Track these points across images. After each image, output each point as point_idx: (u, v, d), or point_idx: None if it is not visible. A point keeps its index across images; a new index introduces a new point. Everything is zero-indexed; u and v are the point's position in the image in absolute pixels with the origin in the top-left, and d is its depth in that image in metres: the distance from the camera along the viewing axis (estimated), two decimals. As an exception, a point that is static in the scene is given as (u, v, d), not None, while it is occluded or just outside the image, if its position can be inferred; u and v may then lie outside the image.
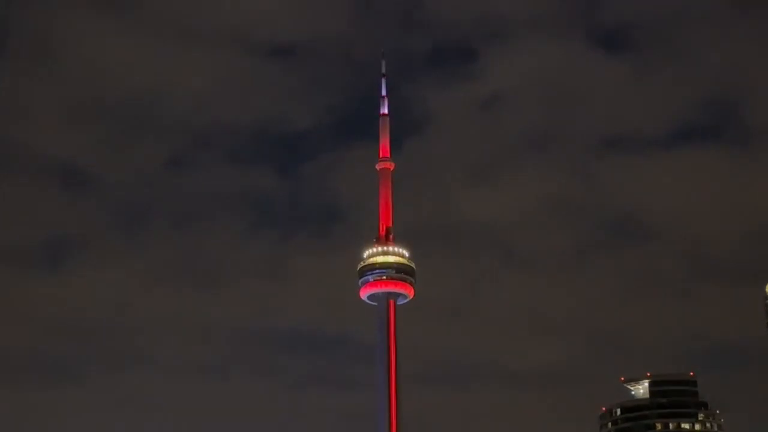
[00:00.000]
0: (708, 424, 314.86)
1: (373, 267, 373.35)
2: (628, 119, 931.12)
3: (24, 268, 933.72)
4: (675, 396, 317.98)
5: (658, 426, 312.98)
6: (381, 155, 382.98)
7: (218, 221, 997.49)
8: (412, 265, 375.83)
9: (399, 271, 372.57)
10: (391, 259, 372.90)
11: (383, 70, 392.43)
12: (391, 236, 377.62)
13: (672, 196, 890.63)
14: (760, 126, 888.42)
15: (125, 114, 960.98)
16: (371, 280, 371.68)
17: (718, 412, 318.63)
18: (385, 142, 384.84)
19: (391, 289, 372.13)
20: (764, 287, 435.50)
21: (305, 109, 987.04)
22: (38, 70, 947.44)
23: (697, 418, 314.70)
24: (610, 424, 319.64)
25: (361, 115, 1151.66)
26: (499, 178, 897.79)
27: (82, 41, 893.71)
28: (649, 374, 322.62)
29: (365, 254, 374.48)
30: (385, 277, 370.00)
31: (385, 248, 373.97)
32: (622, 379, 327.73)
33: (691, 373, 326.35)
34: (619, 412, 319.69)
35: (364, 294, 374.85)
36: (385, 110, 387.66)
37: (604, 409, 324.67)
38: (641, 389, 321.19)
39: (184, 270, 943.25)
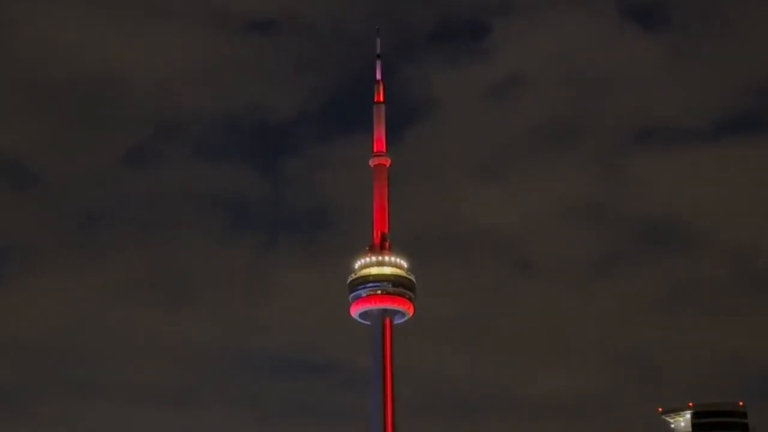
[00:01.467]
0: None
1: (366, 280, 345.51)
2: (666, 107, 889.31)
3: None
4: (722, 429, 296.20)
5: None
6: (375, 149, 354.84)
7: (187, 226, 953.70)
8: (412, 277, 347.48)
9: (396, 285, 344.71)
10: (386, 270, 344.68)
11: (378, 51, 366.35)
12: (386, 244, 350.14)
13: (716, 195, 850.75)
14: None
15: (78, 102, 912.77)
16: (364, 295, 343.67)
17: None
18: (380, 134, 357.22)
19: (387, 305, 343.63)
20: None
21: (288, 95, 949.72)
22: None
23: None
24: None
25: (352, 103, 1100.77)
26: (512, 177, 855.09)
27: (32, 18, 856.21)
28: (691, 404, 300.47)
29: (357, 265, 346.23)
30: (380, 292, 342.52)
31: (380, 258, 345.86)
32: (660, 410, 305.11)
33: (740, 403, 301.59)
34: None
35: (355, 311, 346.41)
36: (380, 97, 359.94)
37: None
38: (682, 422, 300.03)
39: (147, 283, 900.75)
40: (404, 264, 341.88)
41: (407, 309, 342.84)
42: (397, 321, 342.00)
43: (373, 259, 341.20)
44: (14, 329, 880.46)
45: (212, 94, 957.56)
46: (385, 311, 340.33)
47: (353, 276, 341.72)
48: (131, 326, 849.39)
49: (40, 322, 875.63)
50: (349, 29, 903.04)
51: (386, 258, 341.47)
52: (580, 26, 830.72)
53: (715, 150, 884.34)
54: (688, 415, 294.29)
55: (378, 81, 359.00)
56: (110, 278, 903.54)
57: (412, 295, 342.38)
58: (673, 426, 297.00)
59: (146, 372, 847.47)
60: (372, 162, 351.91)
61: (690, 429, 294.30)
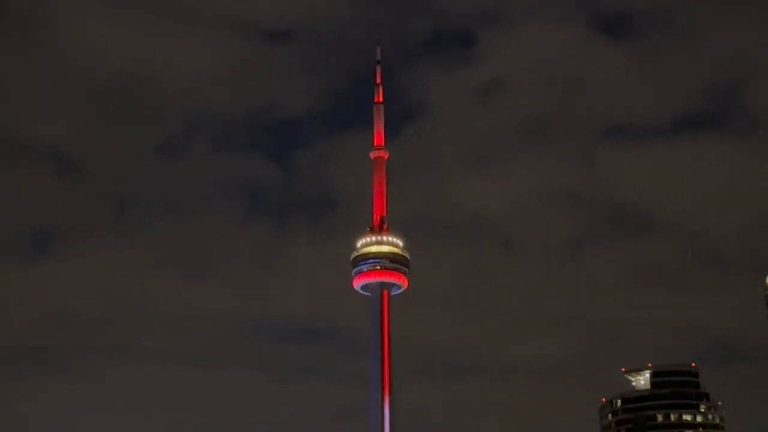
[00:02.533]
0: (710, 416, 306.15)
1: (366, 257, 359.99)
2: (630, 107, 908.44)
3: (10, 257, 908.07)
4: (676, 387, 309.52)
5: (659, 417, 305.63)
6: (375, 144, 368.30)
7: (210, 209, 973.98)
8: (407, 255, 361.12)
9: (393, 261, 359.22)
10: (385, 248, 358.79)
11: (378, 57, 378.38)
12: (385, 226, 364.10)
13: (673, 185, 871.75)
14: (764, 115, 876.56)
15: (115, 98, 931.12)
16: (365, 270, 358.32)
17: (719, 403, 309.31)
18: (379, 130, 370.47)
19: (385, 279, 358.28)
20: (765, 278, 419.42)
21: (299, 95, 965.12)
22: (27, 53, 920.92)
23: (698, 409, 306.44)
24: (610, 415, 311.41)
25: (356, 102, 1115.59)
26: (497, 167, 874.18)
27: (71, 24, 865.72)
28: (650, 365, 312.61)
29: (359, 244, 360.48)
30: (378, 267, 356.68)
31: (379, 238, 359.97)
32: (623, 370, 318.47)
33: (693, 364, 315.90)
34: (619, 403, 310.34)
35: (357, 284, 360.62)
36: (379, 98, 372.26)
37: (604, 400, 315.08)
38: (642, 380, 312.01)
39: (174, 259, 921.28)
40: (400, 243, 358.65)
41: (403, 282, 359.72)
42: (394, 293, 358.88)
43: (373, 238, 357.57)
44: (57, 298, 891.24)
45: (233, 94, 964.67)
46: (383, 284, 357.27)
47: (355, 253, 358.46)
48: (160, 297, 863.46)
49: (79, 292, 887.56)
50: (352, 38, 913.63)
51: (384, 238, 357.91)
52: (554, 36, 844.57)
53: (673, 145, 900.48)
54: (647, 374, 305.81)
55: (378, 84, 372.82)
56: (141, 254, 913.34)
57: (407, 270, 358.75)
58: (634, 384, 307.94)
59: (173, 337, 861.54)
60: (372, 155, 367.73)
61: (649, 386, 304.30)
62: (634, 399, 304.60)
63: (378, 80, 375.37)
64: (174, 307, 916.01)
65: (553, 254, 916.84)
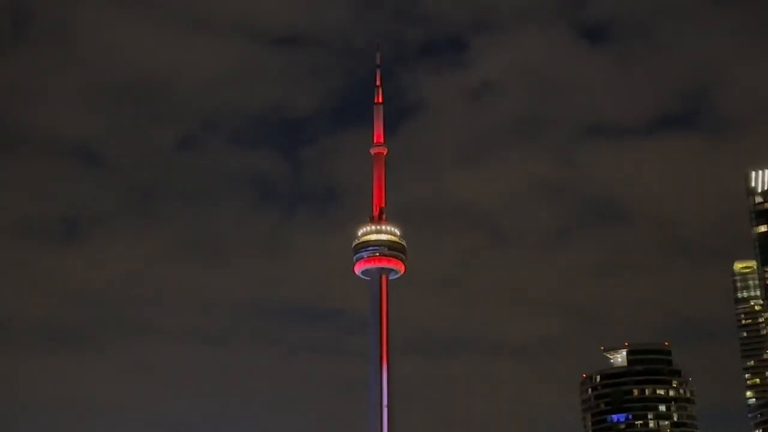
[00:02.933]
0: (681, 391, 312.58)
1: (366, 244, 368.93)
2: (609, 108, 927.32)
3: (43, 243, 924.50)
4: (651, 364, 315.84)
5: (635, 392, 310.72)
6: (375, 141, 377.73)
7: (224, 200, 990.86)
8: (404, 242, 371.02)
9: (391, 249, 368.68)
10: (383, 237, 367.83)
11: (378, 62, 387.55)
12: (383, 216, 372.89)
13: (648, 180, 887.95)
14: (731, 116, 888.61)
15: (138, 98, 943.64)
16: (365, 256, 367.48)
17: (690, 379, 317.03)
18: (378, 128, 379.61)
19: (384, 265, 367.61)
20: (731, 265, 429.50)
21: (306, 96, 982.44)
22: (57, 56, 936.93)
23: (671, 384, 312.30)
24: (590, 390, 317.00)
25: (357, 103, 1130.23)
26: (486, 162, 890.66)
27: (98, 30, 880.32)
28: (626, 344, 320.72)
29: (359, 232, 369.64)
30: (378, 254, 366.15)
31: (378, 227, 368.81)
32: (602, 348, 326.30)
33: (666, 343, 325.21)
34: (598, 379, 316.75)
35: (358, 270, 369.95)
36: (379, 99, 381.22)
37: (584, 376, 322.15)
38: (619, 358, 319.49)
39: (191, 245, 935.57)
40: (397, 232, 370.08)
41: (400, 268, 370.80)
42: (392, 277, 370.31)
43: (373, 227, 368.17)
44: (86, 280, 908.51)
45: (245, 95, 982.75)
46: (382, 269, 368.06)
47: (357, 241, 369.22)
48: (178, 279, 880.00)
49: (106, 274, 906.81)
50: (355, 44, 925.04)
51: (383, 227, 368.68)
52: (540, 43, 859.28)
53: (648, 143, 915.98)
54: (624, 352, 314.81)
55: (378, 86, 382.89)
56: (161, 241, 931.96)
57: (404, 257, 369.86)
58: (611, 361, 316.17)
59: (189, 317, 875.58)
60: (372, 151, 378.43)
61: (625, 363, 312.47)
62: (612, 375, 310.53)
63: (378, 82, 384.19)
64: (190, 289, 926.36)
65: (538, 242, 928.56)
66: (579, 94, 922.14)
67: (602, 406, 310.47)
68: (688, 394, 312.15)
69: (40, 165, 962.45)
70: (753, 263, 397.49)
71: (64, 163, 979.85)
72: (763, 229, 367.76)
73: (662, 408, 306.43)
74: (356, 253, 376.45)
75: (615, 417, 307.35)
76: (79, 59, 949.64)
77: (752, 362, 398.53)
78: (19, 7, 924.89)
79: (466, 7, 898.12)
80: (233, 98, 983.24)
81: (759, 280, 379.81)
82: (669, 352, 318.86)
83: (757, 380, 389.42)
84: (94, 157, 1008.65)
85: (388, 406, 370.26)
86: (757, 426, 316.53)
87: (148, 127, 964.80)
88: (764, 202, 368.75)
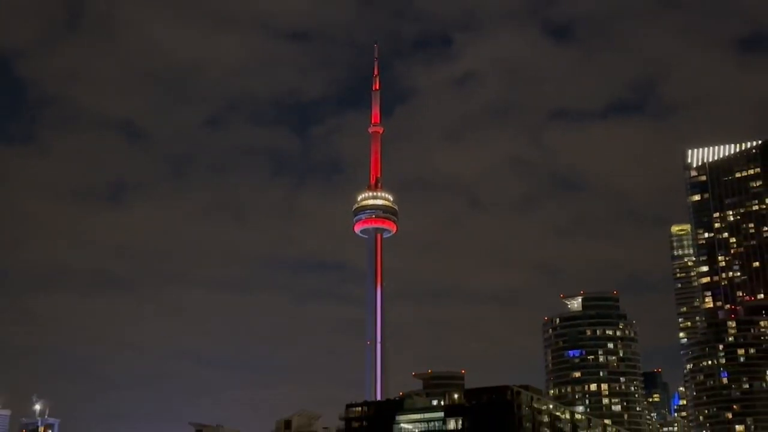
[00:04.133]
0: (626, 331, 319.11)
1: (364, 208, 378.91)
2: (571, 95, 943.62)
3: (92, 204, 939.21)
4: (602, 309, 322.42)
5: (588, 332, 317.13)
6: (373, 121, 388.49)
7: (244, 170, 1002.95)
8: (396, 207, 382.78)
9: (385, 212, 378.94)
10: (379, 202, 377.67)
11: (376, 55, 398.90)
12: (379, 184, 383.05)
13: (603, 157, 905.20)
14: (672, 104, 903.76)
15: (172, 83, 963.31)
16: (363, 218, 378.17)
17: (634, 321, 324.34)
18: (375, 111, 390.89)
19: (379, 225, 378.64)
20: (669, 228, 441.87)
21: (315, 82, 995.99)
22: (105, 46, 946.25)
23: (618, 326, 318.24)
24: (550, 330, 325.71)
25: (358, 89, 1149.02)
26: (467, 140, 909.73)
27: (140, 24, 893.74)
28: (582, 292, 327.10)
29: (359, 198, 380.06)
30: (374, 216, 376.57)
31: (375, 194, 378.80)
32: (561, 296, 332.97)
33: (615, 292, 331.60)
34: (558, 321, 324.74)
35: (357, 229, 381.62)
36: (376, 86, 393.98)
37: (546, 318, 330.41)
38: (575, 304, 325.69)
39: (216, 208, 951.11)
40: (391, 198, 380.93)
41: (392, 228, 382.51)
42: (385, 236, 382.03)
43: (370, 194, 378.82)
44: (128, 236, 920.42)
45: (263, 80, 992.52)
46: (377, 229, 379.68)
47: (356, 205, 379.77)
48: (206, 236, 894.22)
49: (144, 231, 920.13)
50: (357, 39, 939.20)
51: (379, 194, 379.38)
52: (514, 39, 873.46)
53: (603, 125, 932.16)
54: (579, 299, 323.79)
55: (375, 75, 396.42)
56: (191, 204, 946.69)
57: (396, 219, 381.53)
58: (569, 306, 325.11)
59: (215, 269, 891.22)
60: (370, 130, 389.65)
61: (580, 308, 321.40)
62: (569, 318, 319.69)
63: (376, 72, 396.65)
64: (216, 244, 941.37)
65: (509, 209, 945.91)
66: (546, 84, 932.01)
67: (561, 343, 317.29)
68: (632, 335, 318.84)
69: (91, 138, 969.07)
70: (687, 227, 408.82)
71: (110, 137, 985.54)
72: (696, 198, 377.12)
73: (610, 345, 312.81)
74: (356, 215, 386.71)
75: (571, 353, 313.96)
76: (124, 49, 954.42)
77: (685, 309, 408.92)
78: (74, 2, 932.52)
79: (452, 8, 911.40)
80: (253, 84, 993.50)
81: (692, 240, 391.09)
82: (617, 300, 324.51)
83: (689, 323, 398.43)
84: (136, 132, 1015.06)
85: (381, 343, 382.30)
86: (688, 361, 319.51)
87: (181, 107, 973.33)
88: (698, 175, 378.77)
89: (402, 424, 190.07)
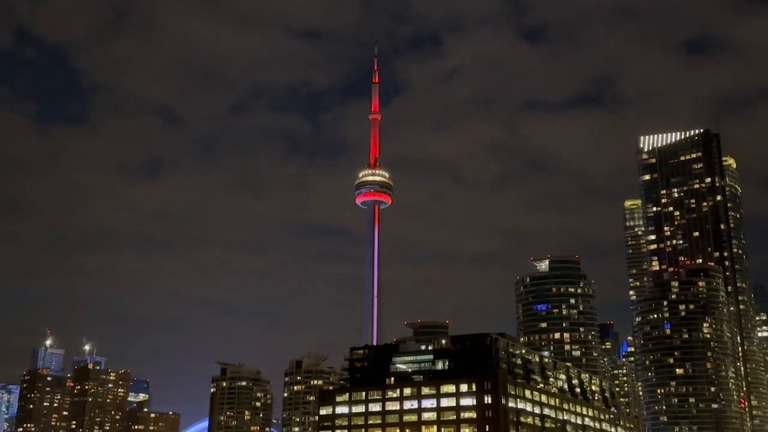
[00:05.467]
0: (586, 289, 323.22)
1: (365, 183, 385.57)
2: (541, 89, 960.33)
3: (134, 177, 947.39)
4: (565, 270, 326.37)
5: (553, 290, 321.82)
6: (372, 110, 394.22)
7: (263, 150, 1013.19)
8: (391, 182, 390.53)
9: (382, 186, 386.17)
10: (377, 178, 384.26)
11: (375, 53, 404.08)
12: (377, 163, 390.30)
13: (568, 142, 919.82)
14: (628, 97, 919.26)
15: (203, 74, 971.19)
16: (363, 191, 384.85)
17: (592, 281, 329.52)
18: (375, 101, 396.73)
19: (377, 198, 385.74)
20: (623, 203, 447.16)
21: (324, 75, 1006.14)
22: (145, 41, 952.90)
23: (579, 285, 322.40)
24: (521, 288, 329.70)
25: (361, 81, 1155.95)
26: (452, 127, 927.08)
27: (176, 21, 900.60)
28: (549, 256, 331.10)
29: (360, 174, 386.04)
30: (372, 190, 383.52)
31: (373, 171, 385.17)
32: (531, 259, 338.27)
33: (576, 256, 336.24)
34: (528, 280, 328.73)
35: (358, 201, 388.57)
36: (376, 79, 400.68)
37: (518, 278, 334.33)
38: (543, 266, 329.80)
39: (239, 182, 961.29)
40: (387, 175, 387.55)
41: (388, 200, 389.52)
42: (382, 207, 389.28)
43: (369, 171, 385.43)
44: (163, 206, 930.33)
45: (280, 73, 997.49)
46: (375, 201, 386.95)
47: (358, 181, 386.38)
48: (231, 206, 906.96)
49: (178, 202, 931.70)
50: (360, 38, 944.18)
51: (377, 171, 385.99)
52: (494, 40, 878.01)
53: (569, 115, 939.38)
54: (546, 262, 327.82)
55: (375, 70, 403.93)
56: (218, 179, 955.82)
57: (391, 193, 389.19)
58: (538, 268, 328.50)
59: (238, 232, 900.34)
60: (370, 117, 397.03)
61: (547, 269, 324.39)
62: (538, 278, 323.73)
63: (375, 67, 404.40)
64: (238, 213, 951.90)
65: (487, 185, 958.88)
66: (520, 79, 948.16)
67: (530, 299, 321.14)
68: (591, 292, 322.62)
69: (134, 121, 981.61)
70: (638, 201, 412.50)
71: (150, 120, 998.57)
72: (646, 177, 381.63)
73: (572, 301, 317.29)
74: (357, 189, 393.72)
75: (539, 307, 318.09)
76: (162, 44, 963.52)
77: (635, 271, 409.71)
78: (119, 3, 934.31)
79: (442, 13, 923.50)
80: (271, 76, 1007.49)
81: (642, 213, 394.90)
82: (578, 263, 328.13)
83: (638, 283, 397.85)
84: (172, 116, 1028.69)
85: (378, 297, 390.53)
86: (637, 315, 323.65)
87: (210, 95, 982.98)
88: (648, 158, 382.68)
89: (398, 365, 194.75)
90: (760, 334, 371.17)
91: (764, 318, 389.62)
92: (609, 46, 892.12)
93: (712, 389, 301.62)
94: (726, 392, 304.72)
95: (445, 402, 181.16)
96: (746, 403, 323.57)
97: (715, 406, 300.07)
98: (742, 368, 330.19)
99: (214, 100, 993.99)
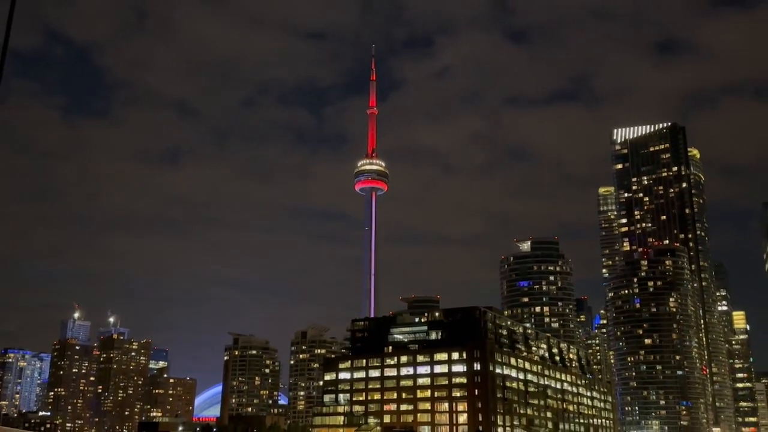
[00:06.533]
0: (564, 267, 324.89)
1: (363, 172, 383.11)
2: (524, 86, 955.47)
3: (154, 165, 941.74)
4: (545, 250, 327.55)
5: (534, 267, 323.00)
6: (370, 105, 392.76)
7: (271, 141, 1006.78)
8: (387, 171, 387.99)
9: (378, 175, 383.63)
10: (374, 167, 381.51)
11: (373, 53, 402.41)
12: (375, 154, 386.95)
13: (548, 134, 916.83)
14: (602, 94, 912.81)
15: (216, 70, 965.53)
16: (362, 179, 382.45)
17: (570, 260, 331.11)
18: (372, 96, 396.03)
19: (374, 185, 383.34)
20: (597, 190, 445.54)
21: (327, 73, 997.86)
22: (164, 40, 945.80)
23: (557, 263, 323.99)
24: (506, 266, 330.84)
25: (360, 79, 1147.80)
26: (443, 120, 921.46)
27: (192, 23, 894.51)
28: (531, 237, 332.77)
29: (359, 164, 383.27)
30: (370, 178, 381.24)
31: (371, 161, 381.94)
32: (515, 240, 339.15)
33: (555, 237, 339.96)
34: (511, 259, 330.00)
35: (357, 188, 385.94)
36: (373, 77, 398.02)
37: (502, 257, 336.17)
38: (525, 246, 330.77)
39: (249, 170, 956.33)
40: (383, 164, 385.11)
41: (384, 187, 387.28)
42: (379, 193, 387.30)
43: (367, 161, 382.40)
44: (181, 191, 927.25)
45: (287, 70, 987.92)
46: (372, 188, 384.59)
47: (357, 169, 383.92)
48: (241, 191, 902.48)
49: (193, 188, 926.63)
50: (360, 39, 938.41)
51: (374, 161, 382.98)
52: (480, 41, 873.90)
53: (549, 110, 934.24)
54: (528, 242, 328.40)
55: (372, 69, 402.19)
56: (229, 167, 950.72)
57: (387, 180, 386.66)
58: (521, 248, 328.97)
59: (248, 215, 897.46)
60: (368, 111, 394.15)
61: (529, 249, 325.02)
62: (520, 257, 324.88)
63: (373, 66, 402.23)
64: (248, 198, 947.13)
65: (474, 174, 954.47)
66: (504, 77, 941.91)
67: (513, 276, 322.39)
68: (568, 270, 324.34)
69: (153, 114, 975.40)
70: (611, 188, 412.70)
71: (168, 113, 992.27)
72: (619, 166, 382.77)
73: (551, 278, 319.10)
74: (356, 177, 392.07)
75: (521, 283, 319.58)
76: (179, 43, 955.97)
77: (607, 251, 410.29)
78: (139, 6, 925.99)
79: (434, 17, 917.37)
80: (279, 73, 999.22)
81: (615, 199, 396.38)
82: (557, 243, 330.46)
83: (610, 262, 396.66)
84: (188, 109, 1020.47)
85: (375, 275, 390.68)
86: (609, 291, 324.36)
87: (222, 90, 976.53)
88: (621, 149, 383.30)
89: (395, 335, 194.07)
90: (719, 308, 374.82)
91: (724, 293, 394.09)
92: (585, 47, 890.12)
93: (677, 357, 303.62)
94: (689, 360, 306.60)
95: (438, 369, 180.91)
96: (708, 370, 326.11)
97: (679, 372, 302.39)
98: (704, 338, 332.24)
99: (226, 95, 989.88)
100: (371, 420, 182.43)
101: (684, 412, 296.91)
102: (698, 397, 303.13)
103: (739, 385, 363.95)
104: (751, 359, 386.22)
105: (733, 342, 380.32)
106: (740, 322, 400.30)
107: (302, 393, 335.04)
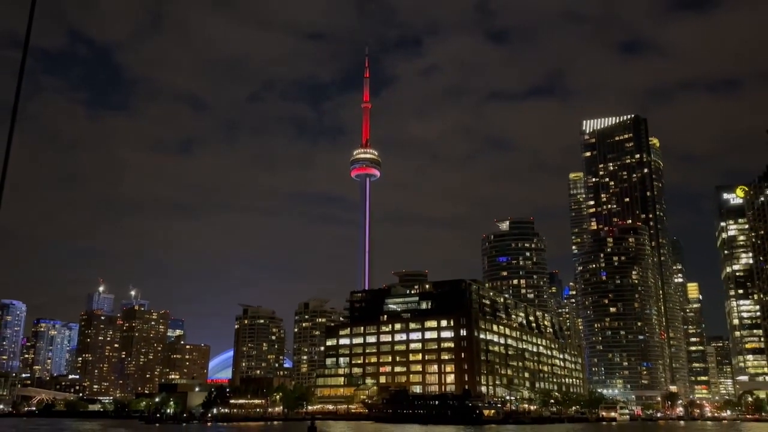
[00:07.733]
0: (538, 245, 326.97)
1: (358, 160, 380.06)
2: (503, 82, 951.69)
3: (168, 154, 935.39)
4: (522, 229, 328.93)
5: (512, 245, 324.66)
6: (364, 99, 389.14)
7: (275, 133, 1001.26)
8: (380, 159, 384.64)
9: (372, 162, 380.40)
10: (368, 156, 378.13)
11: (367, 52, 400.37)
12: (368, 144, 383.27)
13: (525, 125, 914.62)
14: (574, 89, 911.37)
15: (224, 68, 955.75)
16: (357, 166, 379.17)
17: (544, 238, 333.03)
18: (366, 92, 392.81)
19: (368, 172, 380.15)
20: (568, 175, 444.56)
21: (326, 70, 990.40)
22: (178, 40, 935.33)
23: (533, 241, 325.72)
24: (487, 243, 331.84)
25: (356, 76, 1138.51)
26: (430, 114, 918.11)
27: (203, 24, 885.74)
28: (510, 218, 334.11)
29: (354, 153, 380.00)
30: (364, 165, 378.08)
31: (365, 150, 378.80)
32: (495, 220, 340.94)
33: (531, 218, 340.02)
34: (492, 237, 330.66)
35: (353, 174, 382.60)
36: (367, 74, 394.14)
37: (483, 235, 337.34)
38: (504, 225, 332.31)
39: (255, 159, 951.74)
40: (376, 153, 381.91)
41: (377, 174, 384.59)
42: (372, 179, 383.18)
43: (362, 150, 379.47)
44: (193, 178, 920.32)
45: (290, 68, 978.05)
46: (367, 175, 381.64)
47: (353, 157, 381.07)
48: (247, 178, 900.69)
49: (205, 175, 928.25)
50: (356, 40, 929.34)
51: (368, 150, 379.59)
52: (465, 41, 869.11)
53: (526, 104, 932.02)
54: (507, 222, 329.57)
55: (366, 66, 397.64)
56: (238, 156, 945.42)
57: (380, 167, 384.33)
58: (500, 227, 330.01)
59: (254, 200, 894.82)
60: (363, 105, 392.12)
61: (508, 229, 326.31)
62: (500, 235, 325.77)
63: (366, 64, 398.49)
64: (254, 184, 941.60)
65: (458, 162, 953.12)
66: (486, 73, 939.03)
67: (494, 252, 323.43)
68: (542, 246, 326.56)
69: (168, 107, 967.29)
70: (581, 174, 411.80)
71: (181, 107, 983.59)
72: (588, 154, 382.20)
73: (527, 254, 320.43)
74: (352, 165, 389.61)
75: (501, 259, 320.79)
76: (191, 43, 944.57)
77: (576, 230, 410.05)
78: (155, 8, 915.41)
79: (422, 19, 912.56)
80: (282, 70, 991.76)
81: (583, 183, 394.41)
82: (532, 223, 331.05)
83: (579, 240, 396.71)
84: (199, 103, 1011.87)
85: (369, 252, 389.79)
86: (579, 265, 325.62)
87: (230, 86, 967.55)
88: (589, 139, 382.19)
89: (389, 305, 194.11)
90: (676, 280, 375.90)
91: (680, 267, 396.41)
92: (559, 46, 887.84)
93: (639, 324, 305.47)
94: (650, 326, 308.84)
95: (429, 335, 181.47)
96: (665, 335, 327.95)
97: (641, 337, 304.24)
98: (662, 307, 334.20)
99: (234, 90, 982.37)
100: (369, 381, 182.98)
101: (645, 372, 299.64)
102: (657, 359, 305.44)
103: (693, 348, 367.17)
104: (703, 325, 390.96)
105: (688, 310, 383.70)
106: (694, 293, 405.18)
107: (305, 357, 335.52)
